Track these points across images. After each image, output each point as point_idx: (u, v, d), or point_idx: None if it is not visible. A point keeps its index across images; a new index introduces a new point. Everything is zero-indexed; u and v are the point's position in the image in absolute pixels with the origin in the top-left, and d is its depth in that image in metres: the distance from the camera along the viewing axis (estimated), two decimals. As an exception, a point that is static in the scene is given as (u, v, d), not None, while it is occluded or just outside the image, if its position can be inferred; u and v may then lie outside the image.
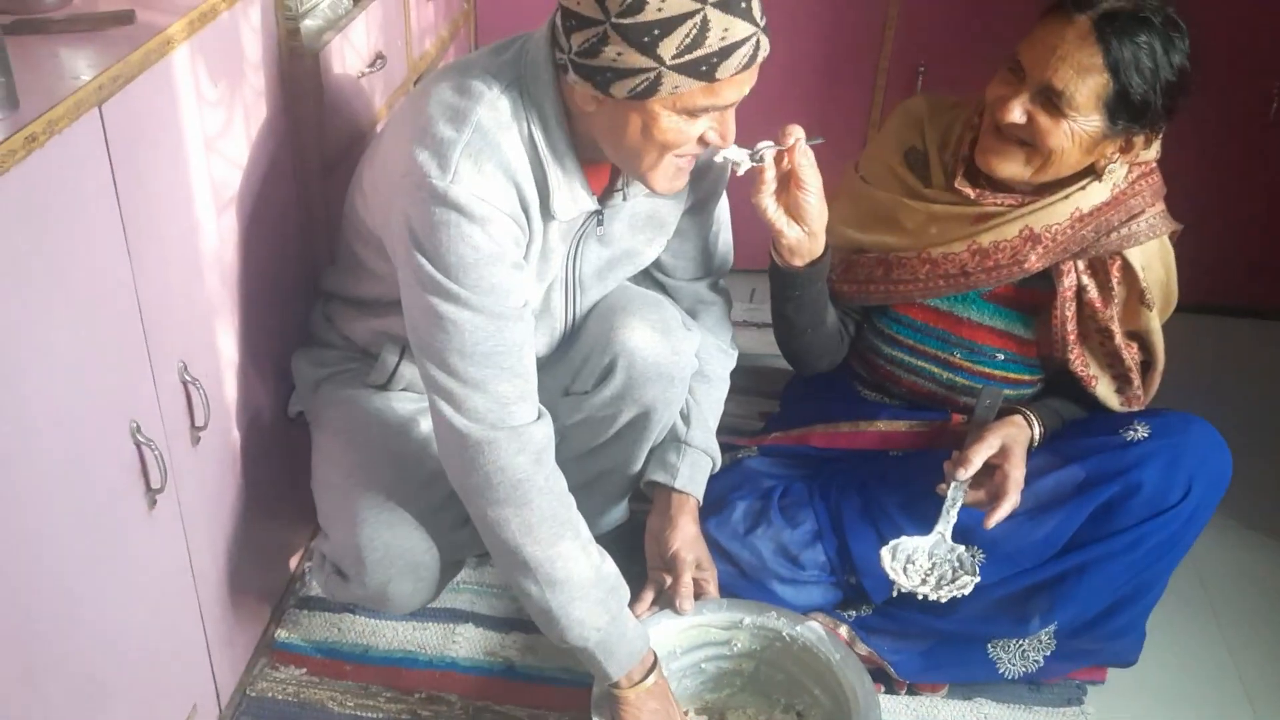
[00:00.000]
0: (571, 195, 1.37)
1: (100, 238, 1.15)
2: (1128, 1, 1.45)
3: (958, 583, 1.52)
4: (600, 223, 1.47)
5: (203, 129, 1.36)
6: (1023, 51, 1.50)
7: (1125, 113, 1.47)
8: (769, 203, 1.49)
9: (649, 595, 1.60)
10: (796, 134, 1.45)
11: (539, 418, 1.38)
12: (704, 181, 1.55)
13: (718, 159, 1.49)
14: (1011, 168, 1.53)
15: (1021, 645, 1.62)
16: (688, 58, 1.20)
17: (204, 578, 1.45)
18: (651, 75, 1.22)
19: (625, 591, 1.44)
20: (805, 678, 1.53)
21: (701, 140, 1.31)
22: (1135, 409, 1.64)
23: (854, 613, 1.66)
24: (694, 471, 1.62)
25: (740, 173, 1.45)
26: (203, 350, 1.40)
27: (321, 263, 1.71)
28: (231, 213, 1.45)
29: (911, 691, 1.66)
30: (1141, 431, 1.56)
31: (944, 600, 1.52)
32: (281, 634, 1.71)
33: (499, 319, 1.32)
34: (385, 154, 1.39)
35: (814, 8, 2.38)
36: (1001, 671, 1.63)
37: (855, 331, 1.75)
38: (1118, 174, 1.55)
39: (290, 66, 1.59)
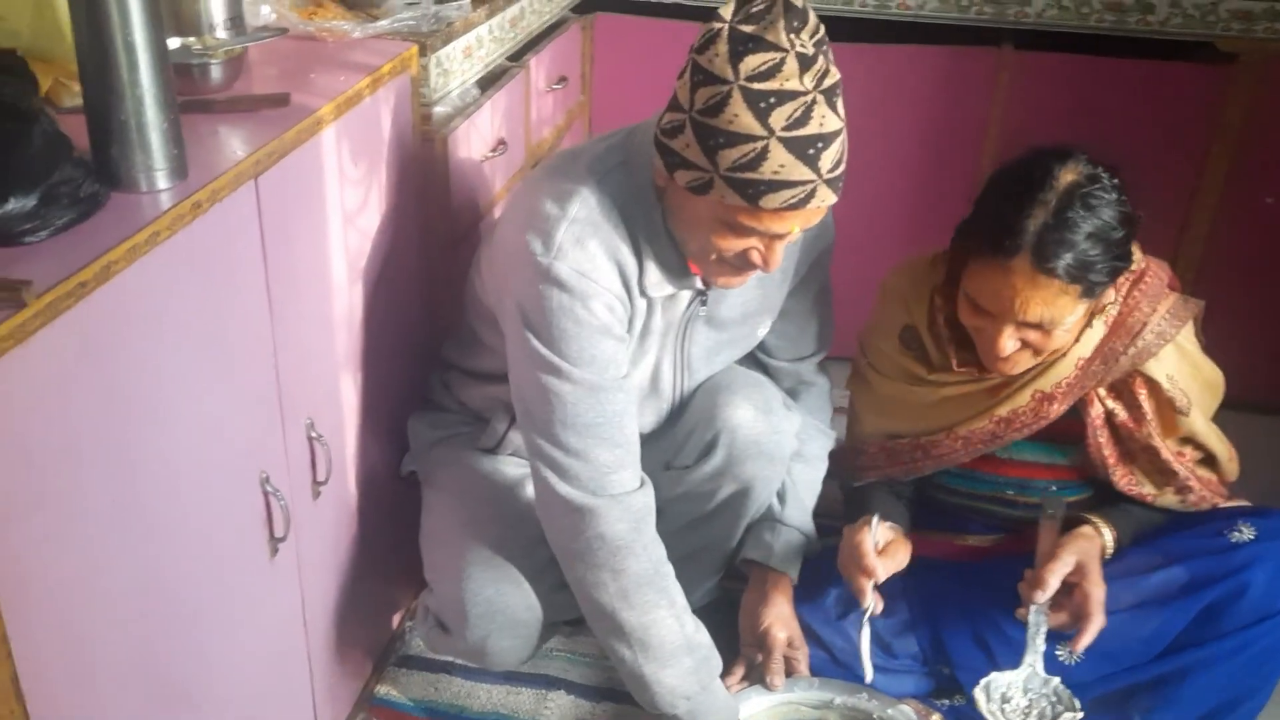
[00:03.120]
0: (665, 273, 1.42)
1: (249, 299, 1.25)
2: (1043, 205, 1.39)
3: None
4: (704, 303, 1.52)
5: (342, 203, 1.46)
6: (977, 295, 1.46)
7: (1101, 285, 1.43)
8: None
9: (740, 670, 1.62)
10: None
11: (640, 486, 1.43)
12: (809, 261, 1.60)
13: None
14: (1024, 364, 1.50)
15: (1119, 745, 1.59)
16: (739, 175, 1.25)
17: (314, 628, 1.51)
18: (706, 177, 1.27)
19: (717, 662, 1.46)
20: (896, 764, 1.53)
21: (746, 258, 1.35)
22: (1205, 508, 1.61)
23: (947, 702, 1.65)
24: (788, 550, 1.64)
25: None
26: (328, 408, 1.49)
27: (440, 332, 1.79)
28: (361, 281, 1.54)
29: (1004, 785, 1.63)
30: (1247, 533, 1.54)
31: None
32: (381, 690, 1.75)
33: (600, 390, 1.38)
34: (500, 236, 1.47)
35: (920, 104, 2.43)
36: (1097, 771, 1.60)
37: (916, 490, 1.75)
38: (1109, 309, 1.51)
39: (422, 149, 1.69)
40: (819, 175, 1.26)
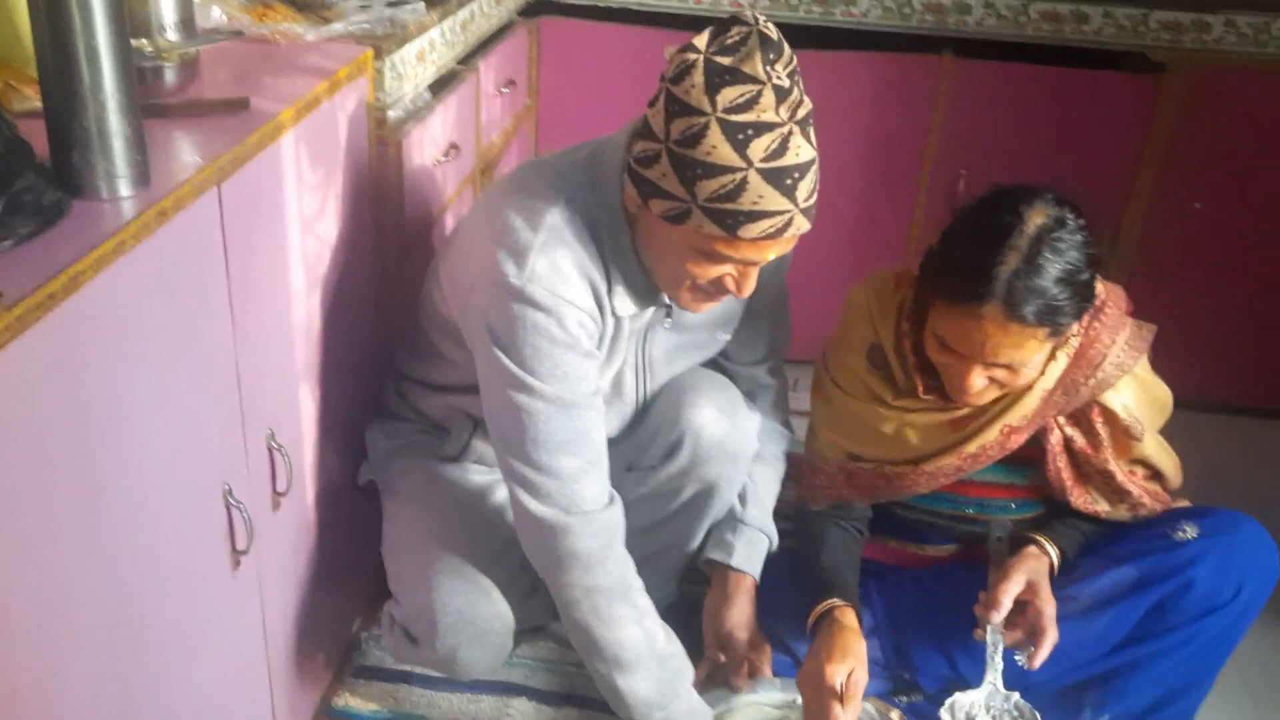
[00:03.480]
0: (632, 294, 1.44)
1: (212, 307, 1.23)
2: (1014, 250, 1.38)
3: None
4: (669, 314, 1.53)
5: (301, 210, 1.44)
6: (946, 337, 1.46)
7: (1068, 324, 1.44)
8: None
9: (702, 670, 1.63)
10: None
11: (610, 502, 1.44)
12: (768, 270, 1.61)
13: None
14: (989, 396, 1.52)
15: (1071, 736, 1.64)
16: (717, 206, 1.26)
17: (274, 640, 1.49)
18: (684, 207, 1.28)
19: (689, 671, 1.48)
20: (858, 760, 1.55)
21: (720, 284, 1.36)
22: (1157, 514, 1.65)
23: (906, 699, 1.68)
24: (750, 550, 1.66)
25: None
26: (287, 418, 1.46)
27: (394, 339, 1.77)
28: (319, 289, 1.52)
29: (961, 778, 1.67)
30: (1190, 531, 1.58)
31: None
32: (340, 701, 1.73)
33: (572, 407, 1.38)
34: (464, 250, 1.46)
35: (862, 111, 2.47)
36: (1051, 762, 1.64)
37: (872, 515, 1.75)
38: (1072, 341, 1.53)
39: (377, 154, 1.68)
40: (796, 205, 1.27)
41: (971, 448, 1.57)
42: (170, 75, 1.37)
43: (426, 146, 1.83)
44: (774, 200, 1.25)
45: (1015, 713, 1.55)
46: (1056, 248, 1.39)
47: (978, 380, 1.45)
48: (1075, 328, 1.49)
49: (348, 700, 1.73)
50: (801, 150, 1.25)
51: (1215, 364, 2.47)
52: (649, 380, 1.59)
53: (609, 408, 1.57)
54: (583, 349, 1.39)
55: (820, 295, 2.61)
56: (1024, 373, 1.46)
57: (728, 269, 1.34)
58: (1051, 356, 1.50)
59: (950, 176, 2.50)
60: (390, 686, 1.76)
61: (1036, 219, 1.40)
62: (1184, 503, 1.68)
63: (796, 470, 1.74)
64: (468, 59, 2.09)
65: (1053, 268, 1.38)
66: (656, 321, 1.54)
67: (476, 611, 1.49)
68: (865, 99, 2.46)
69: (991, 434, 1.56)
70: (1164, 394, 1.61)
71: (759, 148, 1.23)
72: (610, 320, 1.45)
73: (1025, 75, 2.41)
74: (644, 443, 1.62)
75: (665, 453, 1.60)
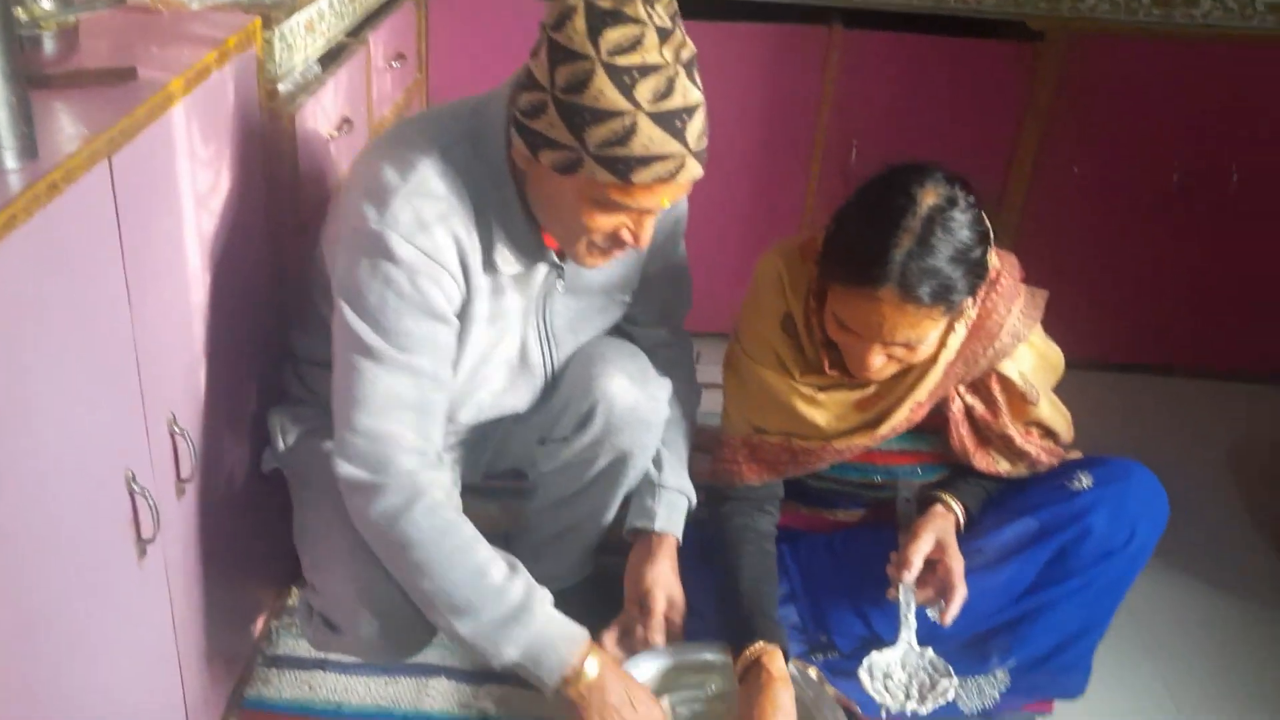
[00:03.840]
0: (517, 250, 1.41)
1: (107, 286, 1.17)
2: (907, 233, 1.39)
3: (938, 688, 1.58)
4: (561, 276, 1.52)
5: (194, 184, 1.38)
6: (844, 318, 1.47)
7: (962, 300, 1.46)
8: None
9: (615, 630, 1.62)
10: None
11: (420, 470, 1.40)
12: (662, 229, 1.60)
13: None
14: (889, 372, 1.54)
15: (979, 682, 1.69)
16: (608, 152, 1.24)
17: (184, 631, 1.44)
18: (574, 156, 1.26)
19: (541, 595, 1.43)
20: (780, 719, 1.57)
21: (616, 237, 1.35)
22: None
23: (822, 656, 1.71)
24: (671, 512, 1.65)
25: None
26: (188, 402, 1.41)
27: (294, 320, 1.72)
28: (215, 267, 1.47)
29: (875, 728, 1.72)
30: (1086, 481, 1.64)
31: (930, 711, 1.58)
32: (253, 692, 1.69)
33: (404, 371, 1.36)
34: (337, 205, 1.43)
35: (754, 82, 2.49)
36: (961, 708, 1.69)
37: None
38: (969, 312, 1.54)
39: (269, 128, 1.62)
40: (687, 148, 1.26)
41: (883, 429, 1.60)
42: (49, 44, 1.30)
43: (320, 121, 1.78)
44: (665, 144, 1.24)
45: (930, 668, 1.59)
46: (948, 227, 1.40)
47: (877, 359, 1.47)
48: (971, 301, 1.51)
49: (261, 690, 1.69)
50: (689, 93, 1.25)
51: (1100, 323, 2.56)
52: (555, 350, 1.58)
53: (519, 380, 1.55)
54: (432, 310, 1.36)
55: (718, 267, 2.64)
56: (920, 350, 1.49)
57: (623, 219, 1.33)
58: (950, 329, 1.52)
59: (843, 147, 2.54)
60: (305, 674, 1.72)
61: (928, 199, 1.40)
62: (1076, 454, 1.75)
63: (710, 448, 1.75)
64: (356, 31, 2.04)
65: (945, 247, 1.39)
66: (551, 287, 1.52)
67: (398, 596, 1.46)
68: (756, 70, 2.48)
69: (902, 413, 1.58)
70: (1056, 356, 1.67)
71: (646, 90, 1.22)
72: (483, 281, 1.42)
73: (912, 45, 2.46)
74: (555, 414, 1.61)
75: (578, 423, 1.59)
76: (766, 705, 1.50)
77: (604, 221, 1.32)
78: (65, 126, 1.15)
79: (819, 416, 1.61)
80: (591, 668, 1.41)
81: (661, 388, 1.63)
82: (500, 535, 1.65)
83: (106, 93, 1.25)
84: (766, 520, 1.71)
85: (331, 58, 1.90)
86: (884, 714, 1.60)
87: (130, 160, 1.19)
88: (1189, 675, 1.91)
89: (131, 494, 1.24)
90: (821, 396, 1.61)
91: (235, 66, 1.49)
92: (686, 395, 1.74)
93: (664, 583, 1.62)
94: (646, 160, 1.25)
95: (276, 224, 1.68)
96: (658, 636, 1.58)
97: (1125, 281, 2.66)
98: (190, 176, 1.37)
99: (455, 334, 1.42)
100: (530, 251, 1.43)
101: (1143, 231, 2.62)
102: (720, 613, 1.63)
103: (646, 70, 1.22)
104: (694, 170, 1.29)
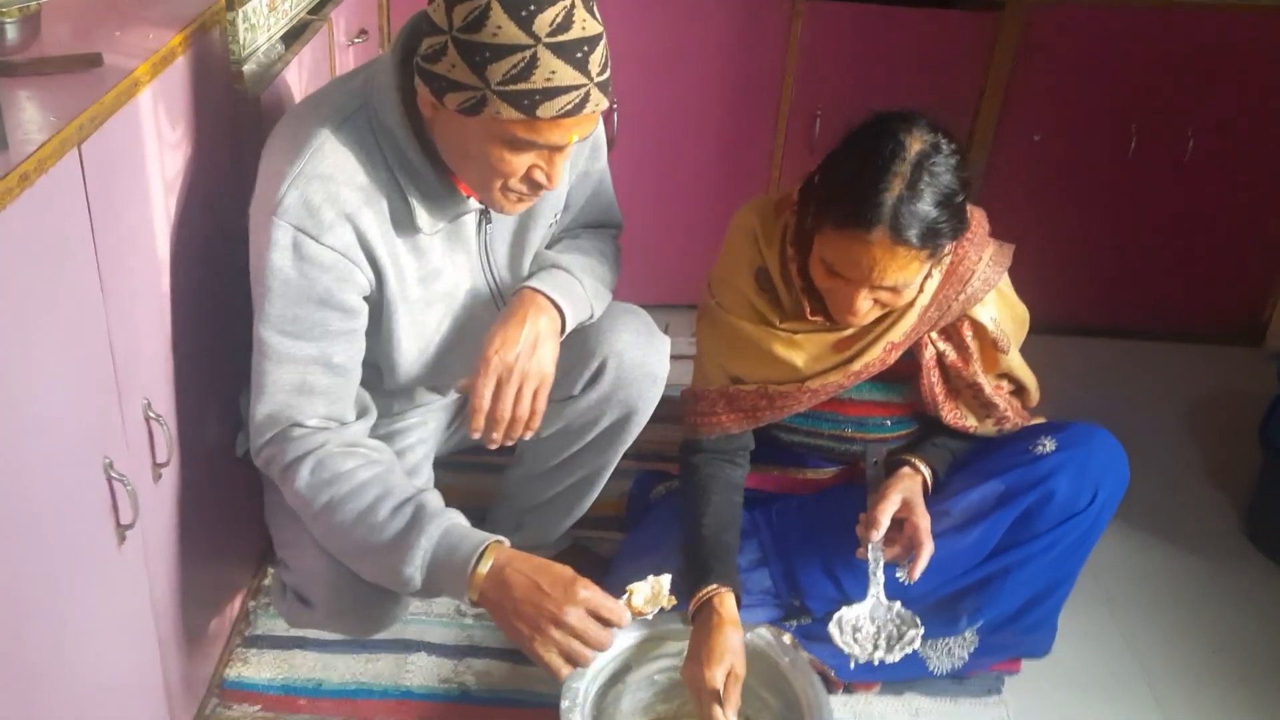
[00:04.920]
0: (433, 205, 1.41)
1: (80, 274, 1.17)
2: (898, 177, 1.42)
3: (905, 638, 1.62)
4: (489, 220, 1.51)
5: (163, 169, 1.38)
6: (833, 262, 1.50)
7: (945, 244, 1.50)
8: None
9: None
10: None
11: (320, 431, 1.42)
12: (583, 154, 1.59)
13: None
14: (872, 317, 1.57)
15: (948, 643, 1.74)
16: (511, 88, 1.24)
17: (164, 616, 1.45)
18: (477, 95, 1.26)
19: (431, 503, 1.38)
20: (755, 683, 1.60)
21: (530, 179, 1.35)
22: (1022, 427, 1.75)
23: (795, 622, 1.75)
24: (556, 281, 1.55)
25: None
26: (162, 387, 1.41)
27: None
28: (185, 251, 1.47)
29: (848, 690, 1.76)
30: (1049, 445, 1.68)
31: (898, 660, 1.62)
32: (232, 673, 1.70)
33: (285, 361, 1.38)
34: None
35: (719, 54, 2.50)
36: (930, 669, 1.74)
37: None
38: (945, 259, 1.59)
39: (235, 109, 1.62)
40: (590, 79, 1.26)
41: (857, 366, 1.63)
42: (11, 32, 1.28)
43: (285, 102, 1.77)
44: (567, 75, 1.24)
45: (897, 620, 1.63)
46: (934, 172, 1.44)
47: (864, 303, 1.51)
48: (948, 247, 1.55)
49: (241, 671, 1.70)
50: (588, 24, 1.25)
51: (1061, 288, 2.60)
52: (500, 287, 1.56)
53: (473, 324, 1.54)
54: (330, 302, 1.37)
55: (686, 238, 2.66)
56: (904, 293, 1.53)
57: (533, 158, 1.32)
58: (928, 275, 1.56)
59: (807, 117, 2.56)
60: (284, 654, 1.73)
61: (915, 145, 1.45)
62: (1041, 419, 1.79)
63: (682, 406, 1.77)
64: (318, 9, 2.03)
65: (932, 192, 1.44)
66: (489, 237, 1.52)
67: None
68: (720, 42, 2.49)
69: (876, 351, 1.62)
70: (1023, 311, 1.71)
71: (544, 22, 1.22)
72: (402, 242, 1.42)
73: (875, 15, 2.48)
74: (563, 372, 1.57)
75: (587, 381, 1.60)
76: (715, 645, 1.53)
77: (515, 162, 1.31)
78: (33, 116, 1.15)
79: (796, 357, 1.64)
80: (486, 569, 1.31)
81: (664, 342, 1.65)
82: (477, 510, 1.66)
83: (72, 80, 1.24)
84: (737, 472, 1.74)
85: (294, 35, 1.89)
86: (852, 664, 1.64)
87: (99, 147, 1.18)
88: (1150, 630, 1.97)
89: (110, 481, 1.24)
90: (799, 338, 1.64)
91: (200, 49, 1.48)
92: (612, 253, 1.69)
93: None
94: (550, 93, 1.24)
95: (246, 206, 1.68)
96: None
97: (1085, 247, 2.71)
98: (159, 161, 1.36)
99: (354, 316, 1.42)
100: (448, 205, 1.43)
101: (1101, 197, 2.66)
102: (682, 558, 1.66)
103: (543, 3, 1.22)
104: (599, 101, 1.29)
